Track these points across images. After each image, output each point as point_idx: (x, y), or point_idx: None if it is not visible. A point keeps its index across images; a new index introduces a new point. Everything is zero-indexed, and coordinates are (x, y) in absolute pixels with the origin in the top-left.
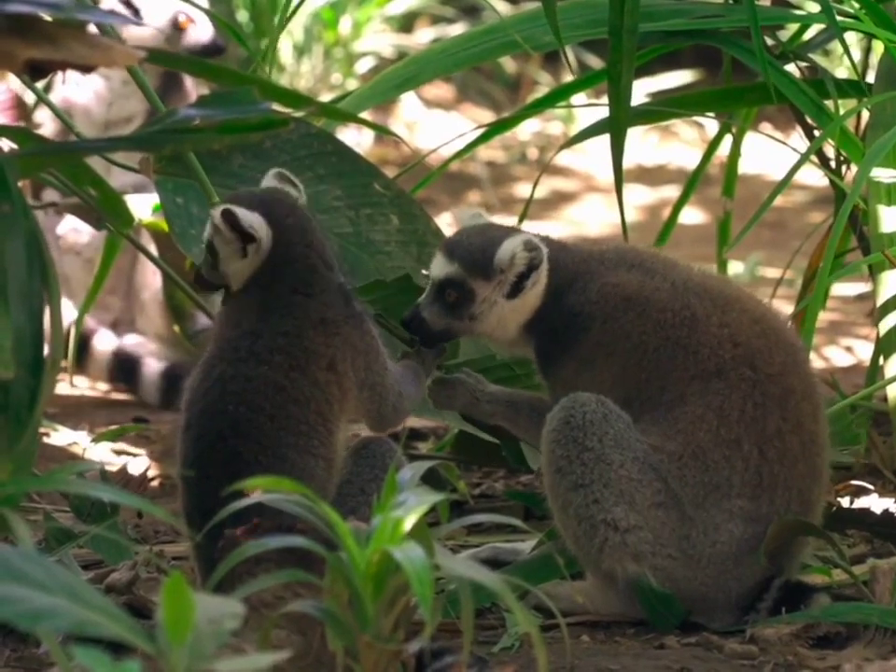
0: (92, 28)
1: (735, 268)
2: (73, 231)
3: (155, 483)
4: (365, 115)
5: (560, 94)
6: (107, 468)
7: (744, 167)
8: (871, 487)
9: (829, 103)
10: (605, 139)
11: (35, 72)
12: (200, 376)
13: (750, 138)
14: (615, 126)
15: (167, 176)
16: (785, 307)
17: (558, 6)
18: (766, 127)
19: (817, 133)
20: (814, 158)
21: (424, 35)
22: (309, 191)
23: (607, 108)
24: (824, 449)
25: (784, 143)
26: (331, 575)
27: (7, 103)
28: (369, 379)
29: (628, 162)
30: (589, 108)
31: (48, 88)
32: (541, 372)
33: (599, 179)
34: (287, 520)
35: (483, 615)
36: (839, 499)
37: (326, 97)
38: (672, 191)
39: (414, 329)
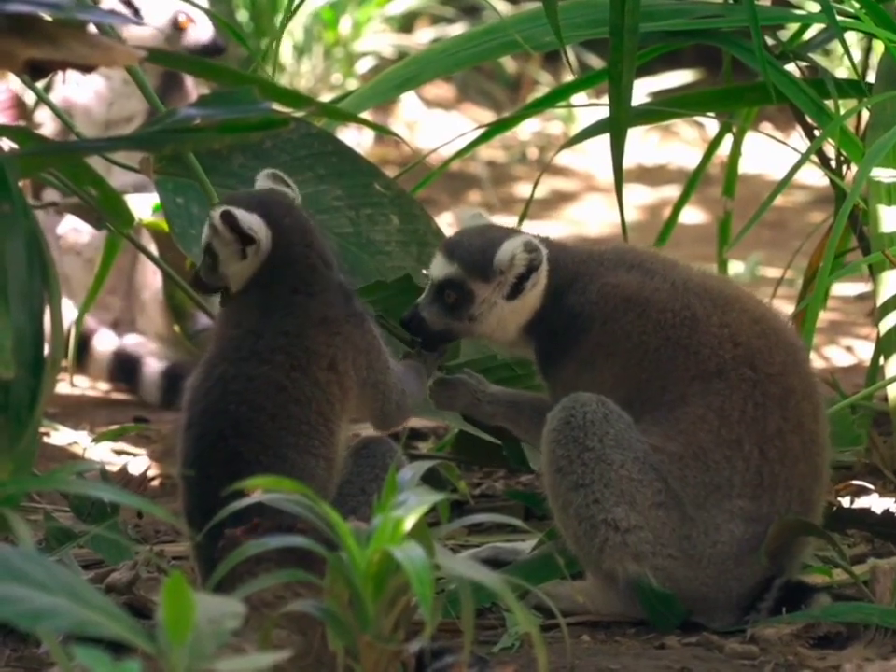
0: (92, 28)
1: (736, 268)
2: (73, 230)
3: (155, 483)
4: (365, 115)
5: (560, 94)
6: (108, 467)
7: (744, 167)
8: (871, 487)
9: (829, 103)
10: (605, 139)
11: (36, 72)
12: (201, 376)
13: (751, 138)
14: (615, 126)
15: (167, 176)
16: (785, 307)
17: (559, 5)
18: (767, 127)
19: (817, 132)
20: (814, 158)
21: (424, 35)
22: (309, 191)
23: (607, 108)
24: (825, 449)
25: (784, 143)
26: (332, 575)
27: (6, 102)
28: (370, 377)
29: (629, 162)
30: (589, 108)
31: (48, 87)
32: (542, 373)
33: (599, 179)
34: (288, 520)
35: (484, 615)
36: (840, 499)
37: (326, 97)
38: (672, 191)
39: (413, 329)
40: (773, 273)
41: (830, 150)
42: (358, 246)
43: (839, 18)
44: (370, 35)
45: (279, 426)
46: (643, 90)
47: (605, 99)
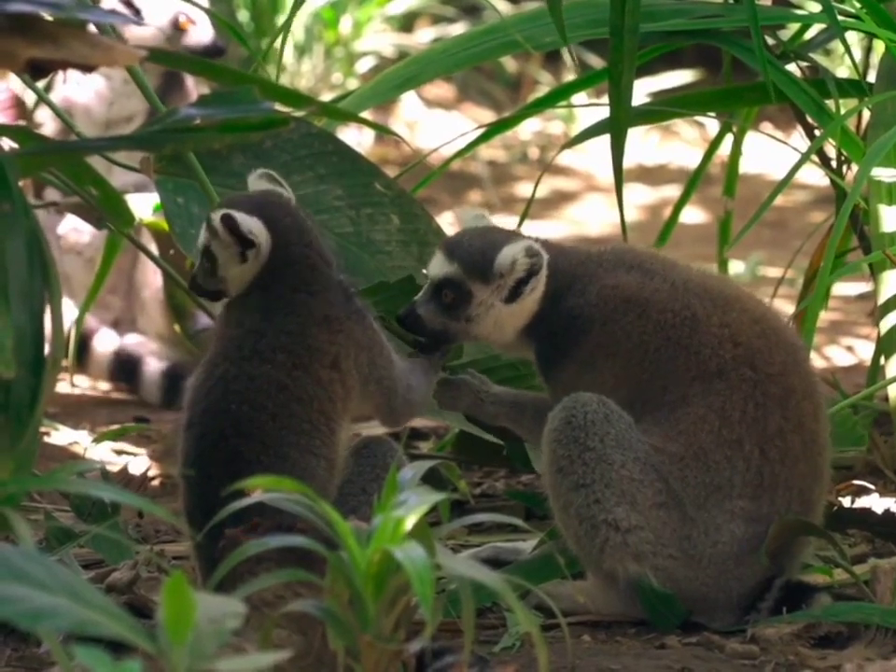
0: (93, 28)
1: (736, 267)
2: (74, 230)
3: (156, 483)
4: (366, 114)
5: (561, 94)
6: (108, 467)
7: (745, 167)
8: (872, 487)
9: (830, 102)
10: (606, 138)
11: (36, 71)
12: (202, 375)
13: (751, 138)
14: (616, 126)
15: (168, 176)
16: (786, 307)
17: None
18: (767, 126)
19: (817, 132)
20: (815, 157)
21: (424, 35)
22: (310, 191)
23: (608, 108)
24: (825, 448)
25: (785, 142)
26: (332, 574)
27: (6, 102)
28: (374, 373)
29: (629, 162)
30: (590, 108)
31: (48, 87)
32: (542, 375)
33: (600, 179)
34: (288, 519)
35: (484, 615)
36: (840, 499)
37: (326, 97)
38: (673, 191)
39: (409, 325)
40: (773, 272)
41: (830, 150)
42: (359, 246)
43: (840, 17)
44: (370, 35)
45: (280, 425)
46: (643, 89)
47: (605, 99)
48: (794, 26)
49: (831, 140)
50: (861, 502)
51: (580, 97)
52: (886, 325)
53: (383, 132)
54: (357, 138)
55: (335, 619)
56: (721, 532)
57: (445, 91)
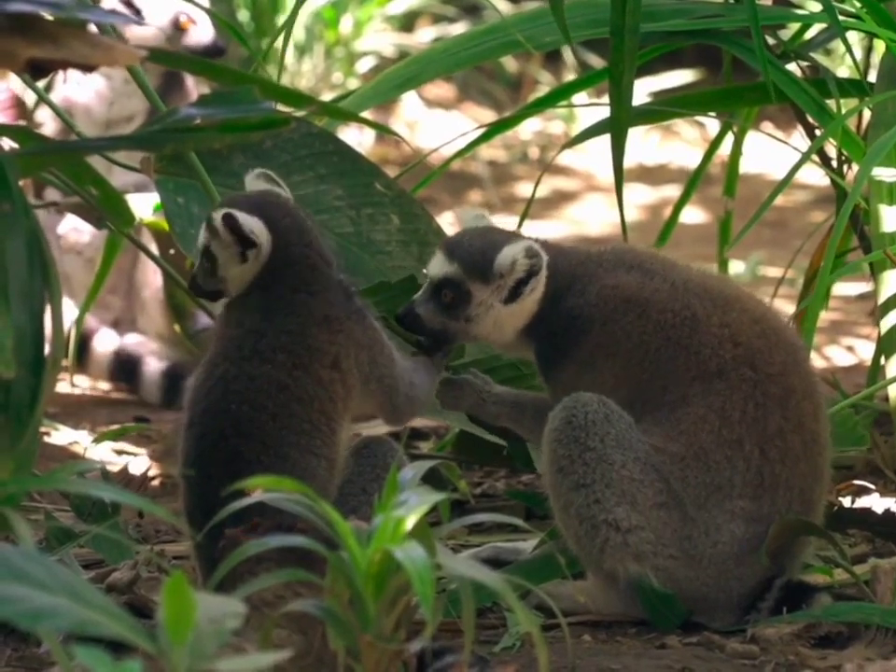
0: (93, 28)
1: (737, 267)
2: (74, 230)
3: (156, 483)
4: (366, 114)
5: (561, 94)
6: (108, 467)
7: (745, 166)
8: (872, 487)
9: (830, 102)
10: (606, 138)
11: (37, 71)
12: (203, 375)
13: (752, 137)
14: (616, 126)
15: (168, 176)
16: (786, 307)
17: None
18: (768, 126)
19: (818, 132)
20: (815, 157)
21: (425, 35)
22: (310, 191)
23: (608, 108)
24: (826, 448)
25: (785, 142)
26: (332, 574)
27: (6, 102)
28: (375, 372)
29: (629, 162)
30: (590, 107)
31: (48, 87)
32: (542, 375)
33: (600, 178)
34: (288, 519)
35: (485, 614)
36: (840, 499)
37: (327, 96)
38: (673, 191)
39: (408, 325)
40: (774, 272)
41: (831, 150)
42: (359, 246)
43: (840, 17)
44: (370, 35)
45: (281, 425)
46: (644, 89)
47: (606, 99)
48: (795, 26)
49: (831, 140)
50: (862, 502)
51: (580, 97)
52: (886, 325)
53: (383, 131)
54: (357, 138)
55: (335, 619)
56: (721, 532)
57: (446, 90)
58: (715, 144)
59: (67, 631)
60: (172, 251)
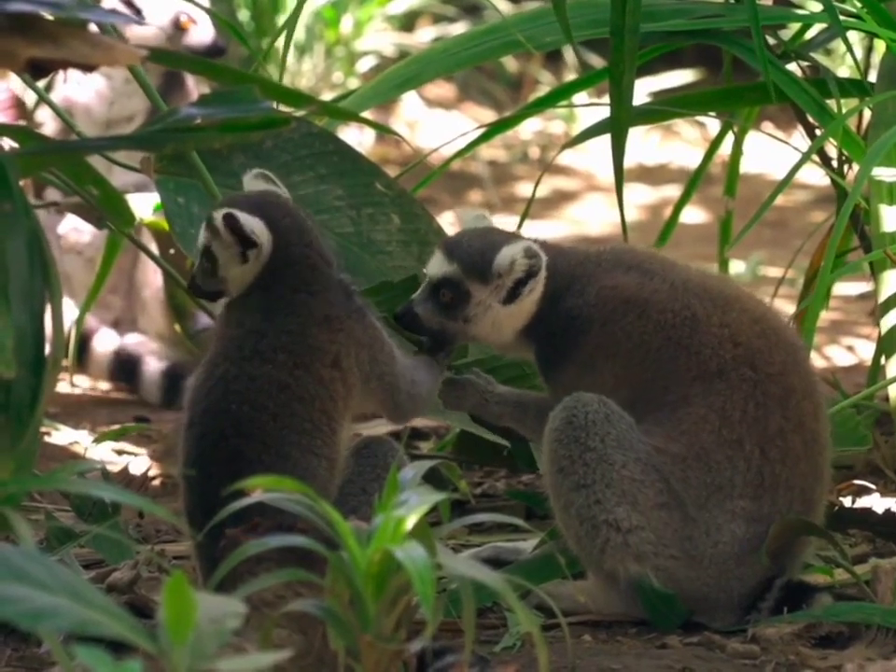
0: (94, 27)
1: (737, 267)
2: (74, 230)
3: (156, 483)
4: (366, 114)
5: (561, 93)
6: (109, 467)
7: (745, 166)
8: (873, 487)
9: (831, 102)
10: (607, 138)
11: (37, 71)
12: (203, 375)
13: (752, 137)
14: (616, 126)
15: (168, 176)
16: (787, 307)
17: None
18: (768, 126)
19: (818, 132)
20: (816, 157)
21: (425, 35)
22: (310, 191)
23: (608, 108)
24: (826, 448)
25: (786, 142)
26: (333, 574)
27: (6, 102)
28: (375, 370)
29: (630, 162)
30: (591, 107)
31: (49, 87)
32: (543, 377)
33: (601, 178)
34: (289, 519)
35: (485, 614)
36: (841, 499)
37: (327, 96)
38: (674, 191)
39: (406, 324)
40: (774, 272)
41: (831, 150)
42: (360, 246)
43: (841, 17)
44: (371, 34)
45: (281, 425)
46: (644, 89)
47: (606, 98)
48: (795, 26)
49: (832, 140)
50: (862, 502)
51: (580, 97)
52: (886, 324)
53: (383, 131)
54: (357, 138)
55: (336, 619)
56: (722, 532)
57: (446, 90)
58: (715, 144)
59: (68, 631)
60: (172, 251)
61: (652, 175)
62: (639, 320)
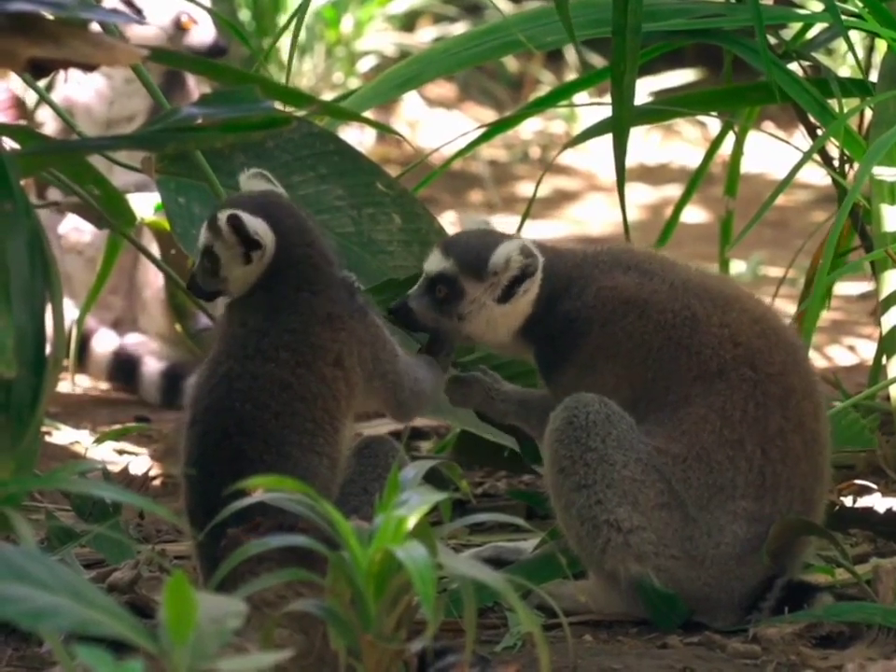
0: (95, 27)
1: (738, 267)
2: (75, 230)
3: (157, 483)
4: (367, 114)
5: (562, 93)
6: (109, 467)
7: (746, 166)
8: (874, 486)
9: (832, 102)
10: (608, 138)
11: (38, 70)
12: (205, 373)
13: (753, 137)
14: (618, 125)
15: (169, 176)
16: (787, 306)
17: None
18: (769, 126)
19: (819, 131)
20: (817, 157)
21: (426, 34)
22: (311, 191)
23: (609, 107)
24: (826, 448)
25: (787, 142)
26: (334, 574)
27: (7, 102)
28: (378, 368)
29: (630, 161)
30: (592, 107)
31: (49, 86)
32: (543, 378)
33: (602, 178)
34: (290, 519)
35: (486, 614)
36: (842, 499)
37: (328, 96)
38: (674, 190)
39: (400, 318)
40: (775, 272)
41: (832, 149)
42: (360, 246)
43: (842, 17)
44: (371, 34)
45: (283, 423)
46: (645, 89)
47: (607, 98)
48: (796, 25)
49: (833, 139)
50: (863, 502)
51: (581, 96)
52: (887, 324)
53: (384, 131)
54: (358, 138)
55: (337, 618)
56: (723, 533)
57: (447, 90)
58: (716, 143)
59: (69, 631)
60: (173, 251)
61: (653, 174)
62: (640, 320)
